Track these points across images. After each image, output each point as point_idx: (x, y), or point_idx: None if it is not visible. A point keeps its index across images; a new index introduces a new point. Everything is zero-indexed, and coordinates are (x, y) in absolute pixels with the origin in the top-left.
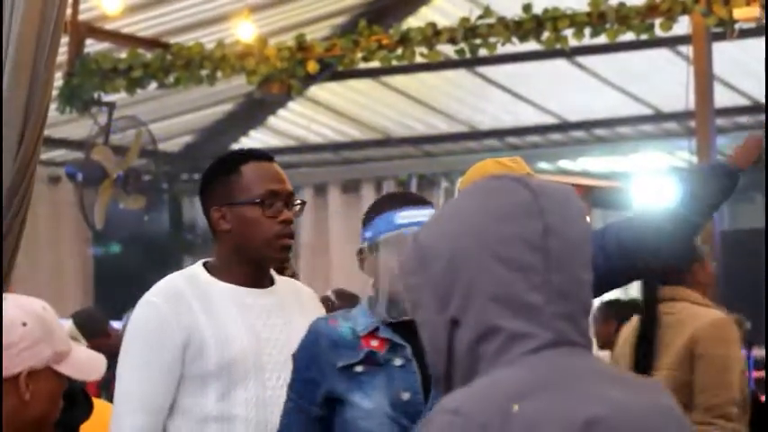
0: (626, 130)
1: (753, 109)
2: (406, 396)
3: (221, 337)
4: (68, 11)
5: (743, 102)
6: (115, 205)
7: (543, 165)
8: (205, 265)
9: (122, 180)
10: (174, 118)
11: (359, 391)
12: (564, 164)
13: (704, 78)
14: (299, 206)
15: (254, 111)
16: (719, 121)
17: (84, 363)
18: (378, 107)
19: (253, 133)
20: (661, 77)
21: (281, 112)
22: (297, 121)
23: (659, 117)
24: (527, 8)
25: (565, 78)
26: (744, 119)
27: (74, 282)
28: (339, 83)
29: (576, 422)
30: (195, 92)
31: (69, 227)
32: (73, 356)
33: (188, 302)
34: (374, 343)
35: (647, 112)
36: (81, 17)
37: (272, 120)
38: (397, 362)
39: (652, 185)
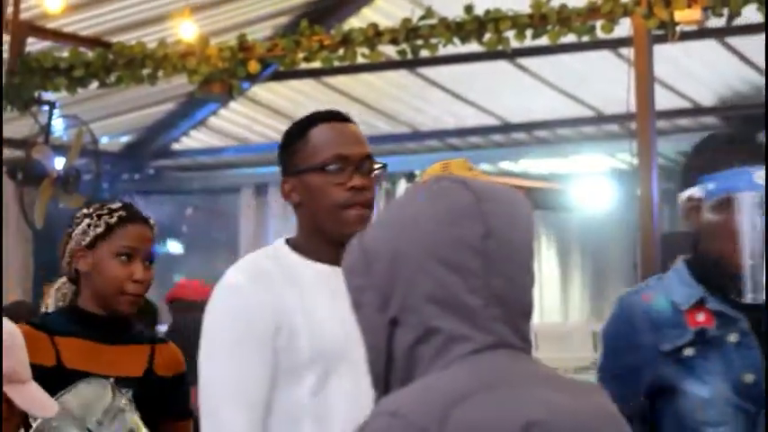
0: (567, 132)
1: (694, 111)
2: (749, 378)
3: (313, 324)
4: (9, 9)
5: (684, 104)
6: (55, 204)
7: (484, 166)
8: (288, 241)
9: (63, 179)
10: (115, 117)
11: (691, 377)
12: (505, 165)
13: (645, 80)
14: (377, 170)
15: (195, 110)
16: (660, 124)
17: (38, 398)
18: (318, 107)
19: (194, 133)
20: (602, 79)
21: (223, 111)
22: (238, 121)
23: (600, 119)
24: (469, 9)
25: (506, 80)
26: (685, 121)
27: (14, 280)
28: (281, 83)
29: (515, 426)
30: (136, 91)
31: (11, 225)
32: (28, 387)
33: (275, 283)
34: (701, 318)
35: (588, 113)
36: (22, 16)
37: (212, 119)
38: (732, 338)
39: (592, 187)
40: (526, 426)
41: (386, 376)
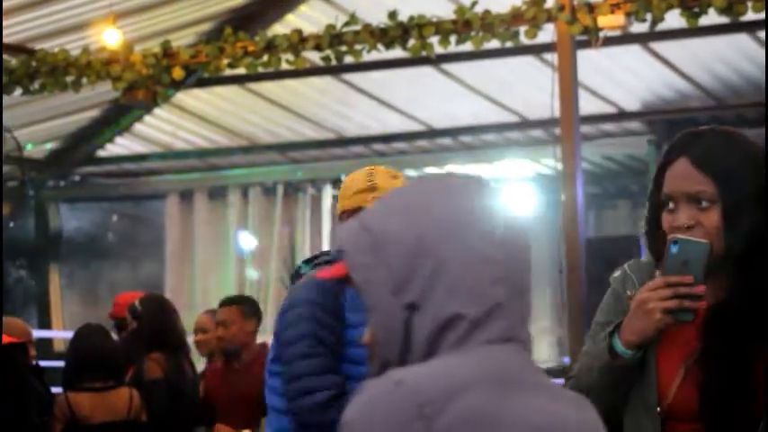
0: (492, 138)
1: (617, 116)
2: None
3: None
4: None
5: (608, 109)
6: None
7: (410, 172)
8: None
9: None
10: (39, 124)
11: None
12: (430, 171)
13: (569, 86)
14: None
15: (119, 117)
16: (584, 129)
17: None
18: (244, 114)
19: (119, 139)
20: (526, 85)
21: (147, 118)
22: (163, 128)
23: (525, 124)
24: (392, 15)
25: (431, 85)
26: (609, 126)
27: None
28: (205, 89)
29: (513, 427)
30: (60, 98)
31: None
32: None
33: None
34: None
35: (513, 119)
36: None
37: (137, 126)
38: None
39: (518, 192)
40: (524, 429)
41: (401, 360)
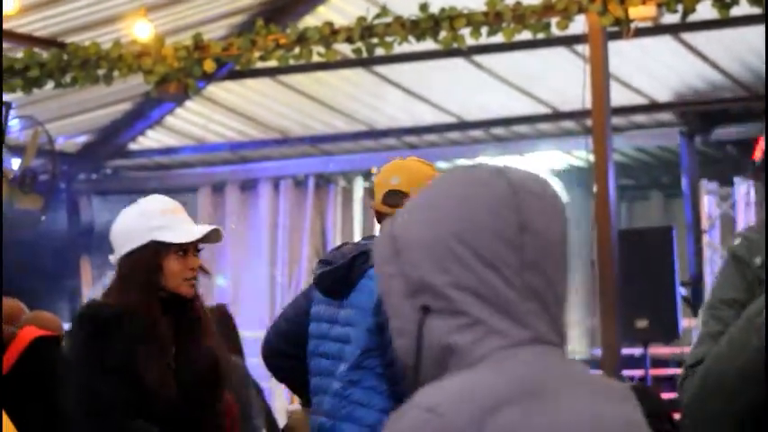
0: (523, 129)
1: (649, 108)
2: None
3: None
4: None
5: (639, 100)
6: (11, 205)
7: (441, 164)
8: None
9: (19, 180)
10: (71, 117)
11: None
12: (461, 163)
13: (600, 77)
14: None
15: (151, 110)
16: (616, 120)
17: None
18: (275, 106)
19: (150, 132)
20: (558, 76)
21: (179, 111)
22: (194, 121)
23: (556, 116)
24: (424, 7)
25: (462, 77)
26: (640, 117)
27: None
28: (236, 82)
29: None
30: (92, 91)
31: None
32: None
33: None
34: None
35: (544, 110)
36: None
37: (169, 119)
38: None
39: None
40: None
41: (416, 364)
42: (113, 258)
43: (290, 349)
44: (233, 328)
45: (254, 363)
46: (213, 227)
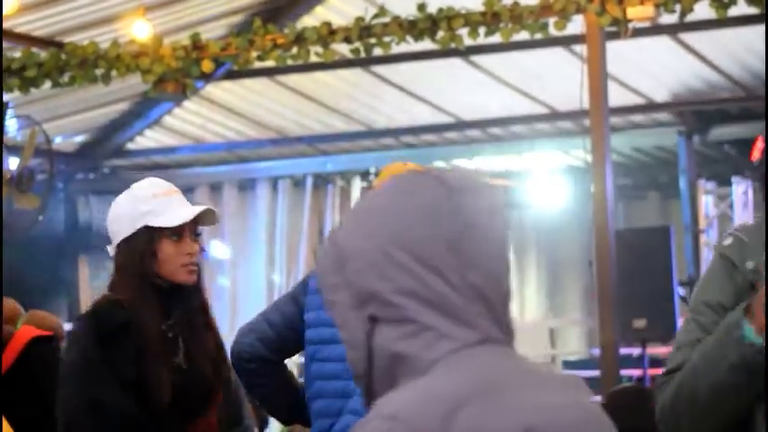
0: (521, 129)
1: (646, 108)
2: None
3: None
4: None
5: (637, 100)
6: (9, 204)
7: (439, 163)
8: None
9: (16, 179)
10: (68, 117)
11: None
12: (459, 163)
13: (598, 77)
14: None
15: (149, 109)
16: (614, 120)
17: None
18: (273, 106)
19: (148, 132)
20: (556, 76)
21: (177, 111)
22: (192, 120)
23: (554, 116)
24: (421, 7)
25: (460, 77)
26: (638, 117)
27: None
28: (234, 82)
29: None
30: (90, 91)
31: None
32: None
33: None
34: None
35: (542, 110)
36: None
37: (167, 119)
38: None
39: (547, 184)
40: (522, 429)
41: (368, 374)
42: (111, 249)
43: (271, 355)
44: None
45: None
46: (205, 207)
